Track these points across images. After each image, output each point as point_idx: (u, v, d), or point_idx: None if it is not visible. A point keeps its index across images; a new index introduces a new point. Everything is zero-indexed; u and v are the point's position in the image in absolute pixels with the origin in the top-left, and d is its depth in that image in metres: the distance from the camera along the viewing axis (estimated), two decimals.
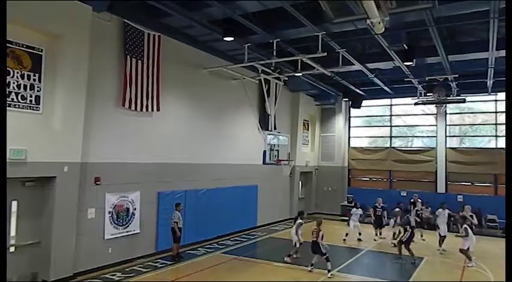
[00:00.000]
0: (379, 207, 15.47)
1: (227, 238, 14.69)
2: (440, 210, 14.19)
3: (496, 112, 19.95)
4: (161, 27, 11.75)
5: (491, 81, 16.84)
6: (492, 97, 19.57)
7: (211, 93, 14.49)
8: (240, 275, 10.51)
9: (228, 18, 11.09)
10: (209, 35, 12.24)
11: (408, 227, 12.28)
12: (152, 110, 11.60)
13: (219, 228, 14.53)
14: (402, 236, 12.35)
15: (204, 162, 14.00)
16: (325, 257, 10.62)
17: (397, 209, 14.61)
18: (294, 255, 11.78)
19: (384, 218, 15.33)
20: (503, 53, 12.70)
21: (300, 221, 12.15)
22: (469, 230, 11.88)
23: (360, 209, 15.55)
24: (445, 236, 13.64)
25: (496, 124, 19.99)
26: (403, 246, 12.21)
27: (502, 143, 19.35)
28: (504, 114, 19.31)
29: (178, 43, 12.66)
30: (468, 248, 11.78)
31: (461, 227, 12.02)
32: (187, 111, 13.47)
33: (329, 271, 10.50)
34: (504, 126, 19.44)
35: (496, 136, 19.87)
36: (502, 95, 19.05)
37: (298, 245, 11.79)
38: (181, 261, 11.47)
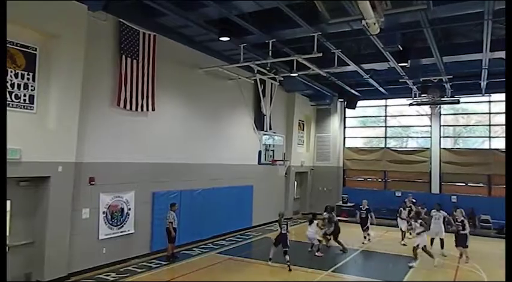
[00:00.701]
0: (363, 209, 15.18)
1: (222, 238, 14.69)
2: (434, 211, 13.84)
3: (489, 113, 20.11)
4: (157, 26, 11.72)
5: (485, 83, 16.95)
6: (486, 98, 19.72)
7: (207, 93, 14.48)
8: (235, 275, 10.51)
9: (223, 18, 11.07)
10: (205, 35, 12.23)
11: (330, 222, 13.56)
12: (147, 109, 11.57)
13: (214, 229, 14.52)
14: (327, 230, 13.53)
15: (199, 162, 13.98)
16: (285, 250, 11.17)
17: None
18: (319, 253, 12.67)
19: (370, 219, 15.03)
20: (497, 54, 12.83)
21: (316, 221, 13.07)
22: (422, 226, 11.96)
23: (325, 213, 14.48)
24: (442, 239, 13.39)
25: (489, 125, 20.15)
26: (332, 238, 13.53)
27: (495, 144, 19.54)
28: (498, 115, 19.56)
29: (173, 43, 12.62)
30: (418, 246, 11.77)
31: (415, 222, 12.15)
32: (183, 111, 13.45)
33: (288, 262, 11.02)
34: (498, 127, 19.69)
35: (490, 137, 20.02)
36: (495, 96, 19.23)
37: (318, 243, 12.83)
38: (176, 261, 11.45)
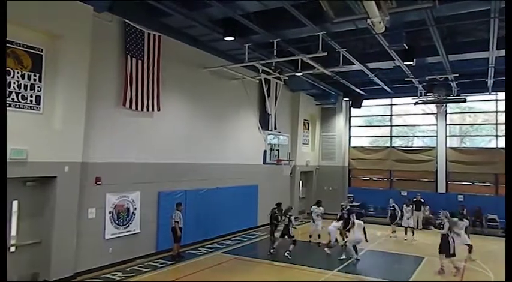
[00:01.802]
0: (345, 209, 14.57)
1: (228, 238, 14.70)
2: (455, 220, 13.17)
3: (496, 112, 19.94)
4: (162, 27, 11.75)
5: (492, 81, 16.81)
6: (493, 96, 19.53)
7: (212, 93, 14.50)
8: (241, 274, 10.51)
9: (228, 18, 11.10)
10: (210, 34, 12.24)
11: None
12: (153, 109, 11.61)
13: (219, 228, 14.55)
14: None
15: (204, 162, 14.00)
16: (293, 239, 12.14)
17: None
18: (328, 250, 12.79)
19: (349, 219, 14.61)
20: (503, 52, 12.68)
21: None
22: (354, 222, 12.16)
23: (320, 208, 14.54)
24: (470, 245, 12.40)
25: (496, 124, 19.97)
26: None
27: (502, 142, 19.33)
28: (504, 113, 19.37)
29: (178, 43, 12.66)
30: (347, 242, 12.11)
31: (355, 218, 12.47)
32: (188, 110, 13.48)
33: (289, 252, 11.96)
34: (504, 125, 19.49)
35: (497, 136, 19.85)
36: (502, 95, 19.02)
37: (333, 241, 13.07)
38: (181, 261, 11.48)
